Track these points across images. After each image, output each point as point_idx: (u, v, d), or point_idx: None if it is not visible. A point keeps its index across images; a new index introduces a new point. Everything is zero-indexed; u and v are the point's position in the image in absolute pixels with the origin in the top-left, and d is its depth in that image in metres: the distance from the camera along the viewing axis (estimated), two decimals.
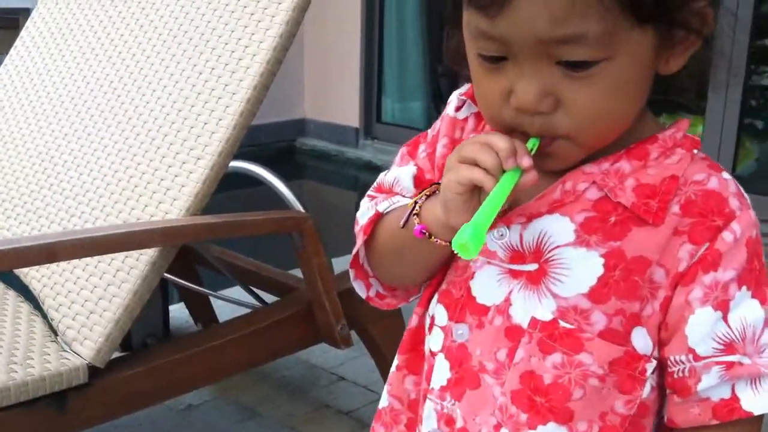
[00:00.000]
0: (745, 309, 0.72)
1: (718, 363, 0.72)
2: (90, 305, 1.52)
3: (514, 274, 0.77)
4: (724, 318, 0.72)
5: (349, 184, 5.11)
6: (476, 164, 0.72)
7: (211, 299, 2.32)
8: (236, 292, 2.28)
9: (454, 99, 0.87)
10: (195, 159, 1.57)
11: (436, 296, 0.85)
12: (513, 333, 0.77)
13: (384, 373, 1.94)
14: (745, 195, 0.75)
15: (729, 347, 0.72)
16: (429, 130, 0.90)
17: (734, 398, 0.73)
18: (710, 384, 0.73)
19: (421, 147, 0.89)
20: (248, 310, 1.89)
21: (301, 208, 2.18)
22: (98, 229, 1.51)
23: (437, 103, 5.25)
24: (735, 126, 3.64)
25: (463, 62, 0.77)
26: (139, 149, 1.67)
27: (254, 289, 2.00)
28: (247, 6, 1.67)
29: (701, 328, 0.72)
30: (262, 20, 1.64)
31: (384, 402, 0.92)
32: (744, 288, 0.72)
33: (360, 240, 0.87)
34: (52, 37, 2.07)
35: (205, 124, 1.60)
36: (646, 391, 0.76)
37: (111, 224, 1.61)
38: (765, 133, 4.76)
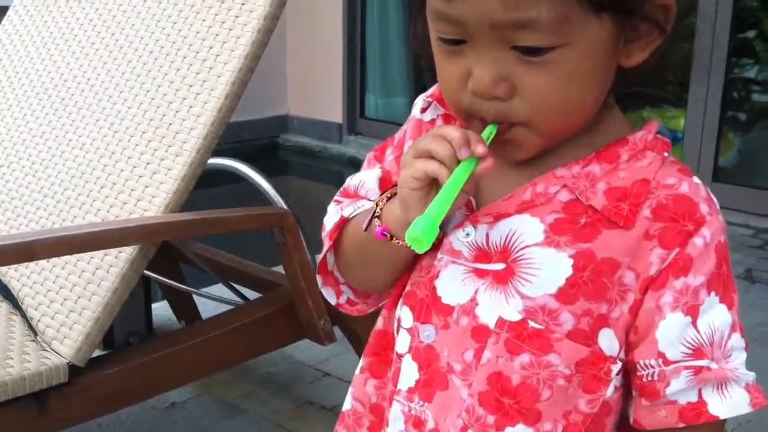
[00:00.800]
0: (714, 314, 0.73)
1: (687, 367, 0.73)
2: (69, 304, 1.51)
3: (480, 274, 0.77)
4: (694, 323, 0.72)
5: (333, 180, 5.09)
6: (430, 157, 0.72)
7: (195, 296, 2.31)
8: (220, 289, 2.27)
9: (419, 101, 0.87)
10: (173, 156, 1.56)
11: (401, 298, 0.83)
12: (480, 333, 0.76)
13: None
14: (715, 200, 0.75)
15: (698, 352, 0.73)
16: (396, 134, 0.89)
17: (701, 402, 0.73)
18: (678, 388, 0.73)
19: (388, 150, 0.89)
20: (231, 307, 1.88)
21: (283, 204, 2.17)
22: (76, 227, 1.50)
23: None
24: (717, 118, 3.66)
25: (428, 47, 0.77)
26: (117, 146, 1.66)
27: (237, 286, 1.99)
28: (224, 1, 1.66)
29: (671, 332, 0.73)
30: (240, 15, 1.63)
31: (347, 405, 0.91)
32: (713, 293, 0.73)
33: (326, 246, 0.86)
34: (28, 34, 2.05)
35: (184, 120, 1.59)
36: (610, 391, 0.76)
37: (90, 222, 1.59)
38: (747, 125, 4.79)
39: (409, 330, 0.81)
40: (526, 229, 0.75)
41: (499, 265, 0.75)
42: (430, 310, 0.79)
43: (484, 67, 0.70)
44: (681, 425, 0.74)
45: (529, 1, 0.66)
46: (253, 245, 2.26)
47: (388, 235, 0.78)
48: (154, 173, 1.57)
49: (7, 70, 2.04)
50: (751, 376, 0.74)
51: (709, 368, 0.72)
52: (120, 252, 1.48)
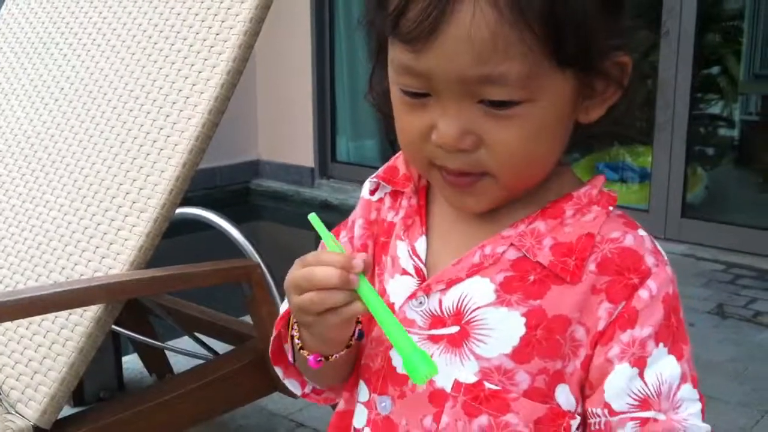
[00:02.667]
0: (662, 365, 0.72)
1: (632, 419, 0.72)
2: (34, 365, 1.49)
3: (434, 339, 0.76)
4: (641, 374, 0.72)
5: (306, 224, 5.06)
6: (316, 287, 0.71)
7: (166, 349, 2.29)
8: (189, 341, 2.25)
9: (367, 183, 0.88)
10: (138, 212, 1.55)
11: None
12: (437, 398, 0.76)
13: None
14: (662, 251, 0.75)
15: (644, 403, 0.72)
16: (349, 217, 0.90)
17: None
18: None
19: (342, 233, 0.89)
20: (202, 361, 1.86)
21: (254, 252, 2.16)
22: (40, 288, 1.48)
23: (391, 140, 5.27)
24: (683, 154, 3.70)
25: (386, 100, 0.77)
26: (81, 203, 1.65)
27: (207, 339, 1.97)
28: (188, 57, 1.66)
29: (618, 383, 0.72)
30: (203, 71, 1.63)
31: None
32: (661, 344, 0.72)
33: (273, 334, 0.85)
34: None
35: (148, 176, 1.58)
36: None
37: (55, 281, 1.58)
38: (714, 160, 4.86)
39: (366, 403, 0.81)
40: (477, 290, 0.75)
41: (453, 328, 0.75)
42: (387, 381, 0.79)
43: (450, 121, 0.70)
44: None
45: (500, 56, 0.66)
46: (223, 293, 2.25)
47: (323, 358, 0.78)
48: (119, 230, 1.55)
49: None
50: (704, 428, 0.73)
51: (656, 420, 0.72)
52: (85, 311, 1.47)
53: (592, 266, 0.73)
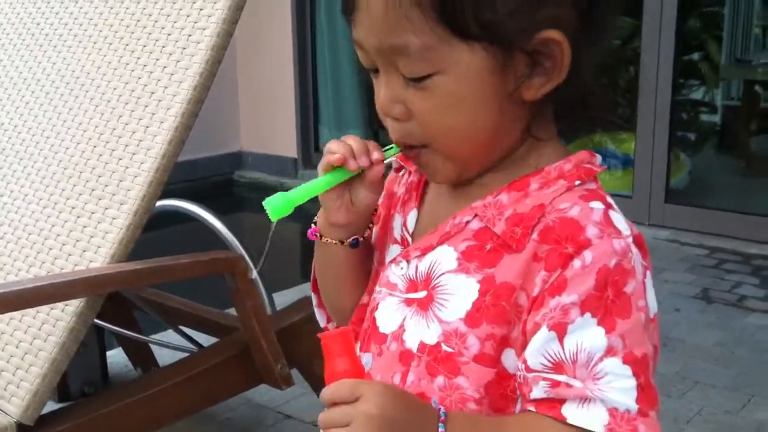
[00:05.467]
0: (584, 334, 0.72)
1: (544, 379, 0.73)
2: (16, 360, 1.47)
3: (408, 302, 0.82)
4: (560, 339, 0.72)
5: (291, 215, 5.06)
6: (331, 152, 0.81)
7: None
8: (173, 334, 2.23)
9: (393, 161, 0.94)
10: (118, 204, 1.53)
11: None
12: (405, 357, 0.81)
13: None
14: (618, 225, 0.75)
15: (557, 367, 0.73)
16: None
17: (557, 411, 0.73)
18: (538, 396, 0.74)
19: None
20: (186, 354, 1.85)
21: (237, 244, 2.14)
22: (19, 282, 1.46)
23: (375, 130, 5.25)
24: (666, 140, 3.70)
25: None
26: (60, 196, 1.63)
27: (191, 331, 1.95)
28: (165, 46, 1.64)
29: (535, 343, 0.73)
30: (181, 60, 1.61)
31: None
32: (588, 315, 0.72)
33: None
34: None
35: (127, 168, 1.56)
36: (518, 408, 0.77)
37: (35, 275, 1.55)
38: (697, 146, 4.88)
39: None
40: (443, 258, 0.80)
41: (422, 293, 0.81)
42: (370, 340, 0.85)
43: (384, 90, 0.77)
44: (533, 410, 0.74)
45: (398, 29, 0.73)
46: (206, 284, 2.23)
47: (318, 235, 0.87)
48: (99, 223, 1.54)
49: None
50: (625, 405, 0.72)
51: (569, 385, 0.72)
52: (66, 305, 1.45)
53: (535, 235, 0.75)
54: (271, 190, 4.80)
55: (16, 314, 1.50)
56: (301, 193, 0.79)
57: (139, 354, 2.30)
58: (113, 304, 1.94)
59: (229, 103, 5.13)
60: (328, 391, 0.73)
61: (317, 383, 1.89)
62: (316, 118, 5.15)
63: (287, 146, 5.12)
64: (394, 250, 0.86)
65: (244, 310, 1.67)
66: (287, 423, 2.22)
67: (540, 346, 0.73)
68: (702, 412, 2.19)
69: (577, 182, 0.77)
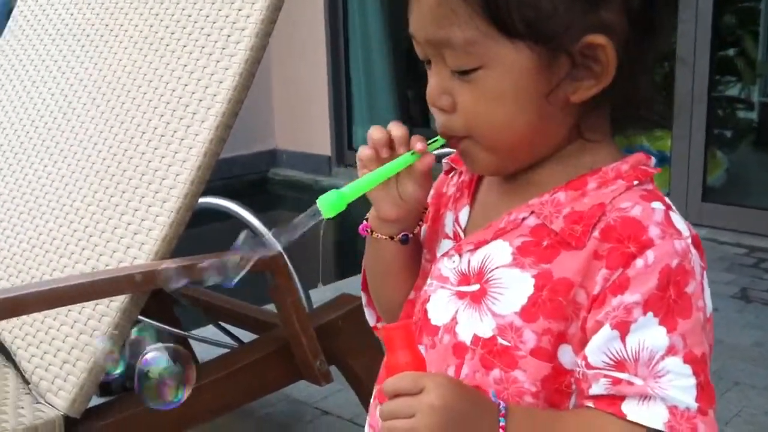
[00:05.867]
0: (647, 333, 0.73)
1: (605, 376, 0.74)
2: (63, 355, 1.50)
3: (460, 295, 0.83)
4: (622, 338, 0.74)
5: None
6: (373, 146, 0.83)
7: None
8: (212, 330, 2.26)
9: (443, 164, 0.96)
10: (161, 202, 1.56)
11: None
12: (459, 350, 0.82)
13: (367, 406, 1.92)
14: (678, 226, 0.76)
15: (619, 365, 0.74)
16: None
17: (618, 399, 0.74)
18: (598, 392, 0.75)
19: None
20: (226, 350, 1.87)
21: (275, 242, 2.15)
22: (65, 279, 1.49)
23: (409, 128, 5.26)
24: (702, 137, 3.67)
25: None
26: (104, 194, 1.65)
27: (231, 328, 1.98)
28: (205, 46, 1.66)
29: (597, 341, 0.75)
30: (221, 60, 1.63)
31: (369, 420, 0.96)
32: (650, 314, 0.73)
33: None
34: (9, 82, 2.05)
35: (170, 166, 1.59)
36: (572, 403, 0.78)
37: (80, 272, 1.59)
38: (734, 143, 4.82)
39: None
40: (497, 252, 0.81)
41: (475, 286, 0.82)
42: (422, 332, 0.86)
43: (431, 81, 0.80)
44: (592, 406, 0.75)
45: (445, 22, 0.75)
46: (244, 282, 2.26)
47: (369, 231, 0.89)
48: (143, 220, 1.56)
49: None
50: (685, 403, 0.73)
51: (630, 383, 0.73)
52: (112, 301, 1.48)
53: (596, 233, 0.76)
54: (305, 187, 4.81)
55: (63, 310, 1.53)
56: (353, 189, 0.80)
57: None
58: (155, 301, 1.96)
59: (263, 101, 5.16)
60: (390, 383, 0.74)
61: (355, 380, 1.91)
62: (350, 116, 5.18)
63: (321, 144, 5.15)
64: (445, 245, 0.88)
65: (285, 306, 1.69)
66: (325, 419, 2.24)
67: (602, 344, 0.74)
68: (741, 413, 2.17)
69: (636, 182, 0.78)
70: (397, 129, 0.83)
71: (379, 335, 0.96)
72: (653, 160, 0.82)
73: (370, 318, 1.00)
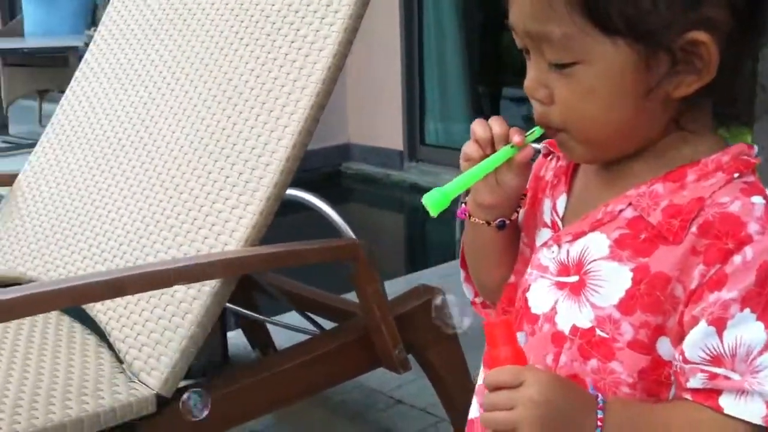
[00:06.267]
0: (744, 329, 0.74)
1: (702, 371, 0.75)
2: (155, 336, 1.56)
3: (560, 286, 0.84)
4: (719, 334, 0.74)
5: (395, 206, 5.13)
6: (476, 140, 0.85)
7: (268, 325, 2.36)
8: (290, 317, 2.31)
9: (542, 147, 0.97)
10: (251, 191, 1.61)
11: None
12: (558, 339, 0.84)
13: (443, 395, 1.95)
14: None
15: (716, 360, 0.75)
16: None
17: (716, 392, 0.75)
18: (696, 386, 0.76)
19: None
20: (304, 337, 1.92)
21: (352, 234, 2.20)
22: (162, 263, 1.56)
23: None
24: None
25: None
26: (196, 183, 1.72)
27: (311, 316, 2.02)
28: (294, 41, 1.71)
29: (694, 336, 0.76)
30: (310, 54, 1.68)
31: (474, 413, 0.97)
32: (748, 310, 0.74)
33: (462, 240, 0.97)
34: (105, 75, 2.13)
35: (260, 156, 1.64)
36: (671, 394, 0.79)
37: (173, 257, 1.65)
38: None
39: None
40: (595, 244, 0.82)
41: (574, 277, 0.83)
42: (523, 319, 0.88)
43: (530, 73, 0.81)
44: (690, 398, 0.76)
45: (544, 16, 0.76)
46: (315, 271, 2.30)
47: (467, 214, 0.91)
48: (233, 208, 1.62)
49: (84, 108, 2.12)
50: None
51: (727, 377, 0.74)
52: (203, 285, 1.53)
53: (694, 228, 0.76)
54: (377, 181, 4.81)
55: (156, 293, 1.59)
56: (455, 185, 0.82)
57: (258, 336, 2.40)
58: (239, 287, 2.03)
59: (337, 96, 5.17)
60: (492, 376, 0.77)
61: (431, 369, 1.94)
62: (423, 110, 5.19)
63: (394, 139, 5.18)
64: (544, 234, 0.89)
65: (365, 295, 1.73)
66: (399, 407, 2.27)
67: (699, 340, 0.75)
68: None
69: (736, 174, 0.78)
70: (498, 126, 0.85)
71: (476, 310, 1.00)
72: (755, 149, 0.81)
73: (468, 293, 1.01)
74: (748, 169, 0.79)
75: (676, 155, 0.80)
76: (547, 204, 0.90)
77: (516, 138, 0.83)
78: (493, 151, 0.85)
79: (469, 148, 0.86)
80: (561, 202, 0.89)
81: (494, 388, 0.77)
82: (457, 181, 0.82)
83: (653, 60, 0.75)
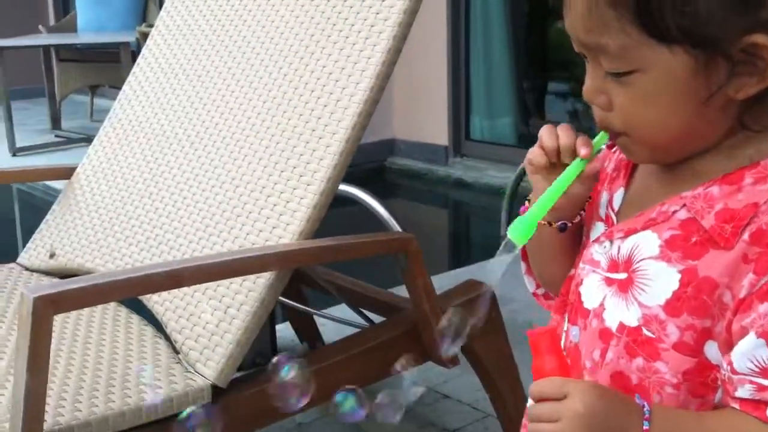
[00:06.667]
0: None
1: (751, 382, 0.75)
2: (211, 327, 1.59)
3: (609, 282, 0.85)
4: None
5: (440, 202, 5.14)
6: (540, 145, 0.87)
7: (316, 318, 2.38)
8: (338, 311, 2.33)
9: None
10: (305, 185, 1.63)
11: None
12: (605, 335, 0.84)
13: (490, 390, 1.96)
14: None
15: (765, 372, 0.74)
16: None
17: (763, 413, 0.74)
18: (743, 396, 0.75)
19: None
20: (350, 331, 1.93)
21: (399, 229, 2.22)
22: (219, 255, 1.58)
23: (525, 119, 5.24)
24: None
25: None
26: (251, 177, 1.74)
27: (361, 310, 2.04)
28: (348, 36, 1.73)
29: (743, 347, 0.75)
30: (364, 50, 1.70)
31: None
32: None
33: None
34: (162, 71, 2.17)
35: (314, 150, 1.66)
36: (718, 397, 0.79)
37: (228, 250, 1.68)
38: None
39: (565, 331, 0.90)
40: (646, 243, 0.82)
41: (623, 274, 0.83)
42: (576, 314, 0.89)
43: (588, 79, 0.82)
44: (737, 407, 0.76)
45: (598, 29, 0.76)
46: (357, 267, 2.31)
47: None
48: (288, 202, 1.64)
49: (142, 103, 2.16)
50: None
51: None
52: (258, 278, 1.56)
53: (746, 235, 0.76)
54: (421, 177, 4.79)
55: (211, 285, 1.62)
56: (537, 211, 0.83)
57: (306, 329, 2.42)
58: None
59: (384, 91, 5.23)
60: (536, 387, 0.78)
61: (478, 364, 1.94)
62: (468, 106, 5.18)
63: (439, 134, 5.18)
64: (598, 228, 0.90)
65: (416, 288, 1.74)
66: (445, 402, 2.28)
67: (747, 351, 0.75)
68: None
69: None
70: (565, 137, 0.86)
71: (539, 302, 1.01)
72: None
73: (530, 285, 1.03)
74: None
75: (739, 155, 0.80)
76: (604, 197, 0.91)
77: (583, 151, 0.84)
78: (559, 159, 0.86)
79: (534, 156, 0.87)
80: (618, 196, 0.89)
81: (539, 399, 0.78)
82: (536, 206, 0.83)
83: (712, 64, 0.75)
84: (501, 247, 0.82)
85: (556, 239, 0.93)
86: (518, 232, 0.81)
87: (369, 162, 5.23)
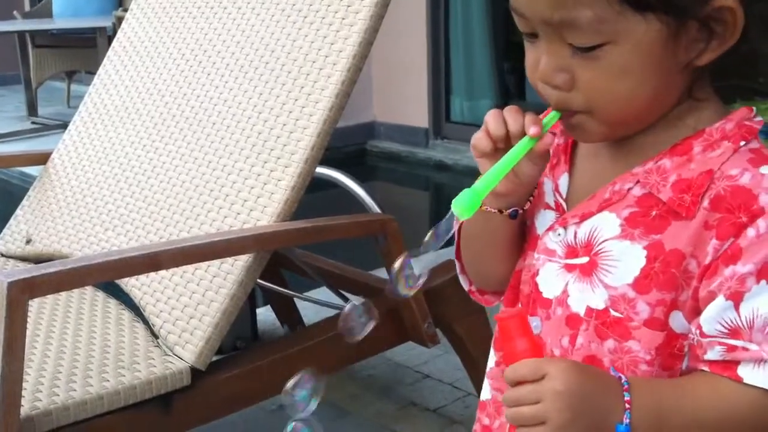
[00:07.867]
0: (760, 301, 0.74)
1: (720, 343, 0.75)
2: (189, 310, 1.59)
3: (569, 268, 0.84)
4: (736, 307, 0.75)
5: (421, 184, 5.14)
6: (486, 131, 0.82)
7: (296, 301, 2.38)
8: (318, 294, 2.33)
9: None
10: (283, 167, 1.63)
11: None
12: (573, 321, 0.83)
13: (470, 370, 1.97)
14: None
15: (734, 332, 0.75)
16: None
17: (733, 372, 0.75)
18: (713, 358, 0.76)
19: None
20: (333, 312, 1.94)
21: (379, 211, 2.22)
22: (197, 237, 1.58)
23: (505, 100, 5.24)
24: None
25: None
26: (228, 159, 1.74)
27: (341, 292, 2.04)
28: (325, 17, 1.72)
29: (711, 311, 0.76)
30: (341, 30, 1.69)
31: (486, 394, 0.97)
32: (764, 282, 0.74)
33: (454, 227, 0.93)
34: (137, 53, 2.16)
35: (291, 132, 1.66)
36: (684, 364, 0.80)
37: (206, 233, 1.67)
38: None
39: None
40: (605, 224, 0.81)
41: (584, 258, 0.83)
42: (536, 304, 0.87)
43: (546, 59, 0.78)
44: (707, 369, 0.77)
45: (571, 2, 0.73)
46: (337, 248, 2.31)
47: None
48: (265, 184, 1.64)
49: (117, 86, 2.15)
50: None
51: (745, 348, 0.75)
52: (236, 260, 1.56)
53: (705, 203, 0.76)
54: (402, 159, 4.79)
55: (189, 268, 1.62)
56: (483, 185, 0.78)
57: (287, 312, 2.42)
58: (267, 263, 2.05)
59: (363, 74, 5.20)
60: (511, 371, 0.76)
61: (458, 343, 1.96)
62: (448, 88, 5.18)
63: (419, 116, 5.17)
64: (547, 216, 0.88)
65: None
66: (426, 382, 2.29)
67: (716, 314, 0.75)
68: None
69: (742, 143, 0.78)
70: (513, 122, 0.81)
71: (475, 299, 0.99)
72: (754, 111, 0.80)
73: (465, 284, 1.00)
74: (753, 135, 0.79)
75: (681, 126, 0.80)
76: (548, 185, 0.89)
77: (533, 130, 0.79)
78: (506, 145, 0.82)
79: (480, 143, 0.83)
80: (563, 182, 0.87)
81: (515, 383, 0.76)
82: (483, 181, 0.79)
83: (681, 30, 0.75)
84: (443, 221, 0.80)
85: (505, 229, 0.89)
86: (462, 205, 0.77)
87: (349, 145, 5.22)
